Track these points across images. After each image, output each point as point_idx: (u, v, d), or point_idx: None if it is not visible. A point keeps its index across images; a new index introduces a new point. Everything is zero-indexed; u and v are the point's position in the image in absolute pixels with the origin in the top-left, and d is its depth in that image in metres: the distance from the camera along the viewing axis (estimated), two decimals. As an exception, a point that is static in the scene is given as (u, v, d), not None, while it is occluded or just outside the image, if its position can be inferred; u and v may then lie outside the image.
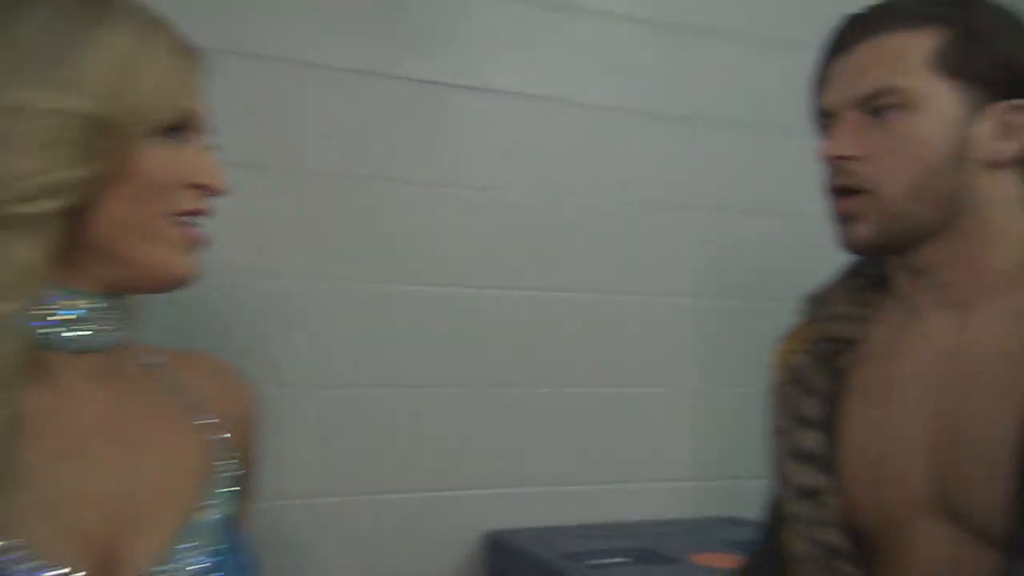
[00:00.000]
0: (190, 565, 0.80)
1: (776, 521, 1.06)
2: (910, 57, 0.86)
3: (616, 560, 1.62)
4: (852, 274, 1.00)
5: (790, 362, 0.99)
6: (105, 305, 0.80)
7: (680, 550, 1.65)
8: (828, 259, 1.04)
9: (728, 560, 1.60)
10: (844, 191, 0.88)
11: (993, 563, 0.82)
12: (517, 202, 1.86)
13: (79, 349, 0.79)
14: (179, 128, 0.80)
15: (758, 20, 2.07)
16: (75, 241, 0.76)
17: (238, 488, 0.91)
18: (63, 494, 0.77)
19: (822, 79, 0.93)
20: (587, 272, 1.92)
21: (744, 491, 2.02)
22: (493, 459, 1.84)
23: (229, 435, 0.91)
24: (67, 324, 0.78)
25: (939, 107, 0.86)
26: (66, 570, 0.73)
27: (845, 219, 0.89)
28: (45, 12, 0.75)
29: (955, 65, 0.85)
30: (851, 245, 0.90)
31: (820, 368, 0.95)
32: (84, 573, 0.74)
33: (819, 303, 1.01)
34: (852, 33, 0.90)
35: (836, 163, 0.88)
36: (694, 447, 2.02)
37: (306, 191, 1.70)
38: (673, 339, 2.01)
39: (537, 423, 1.87)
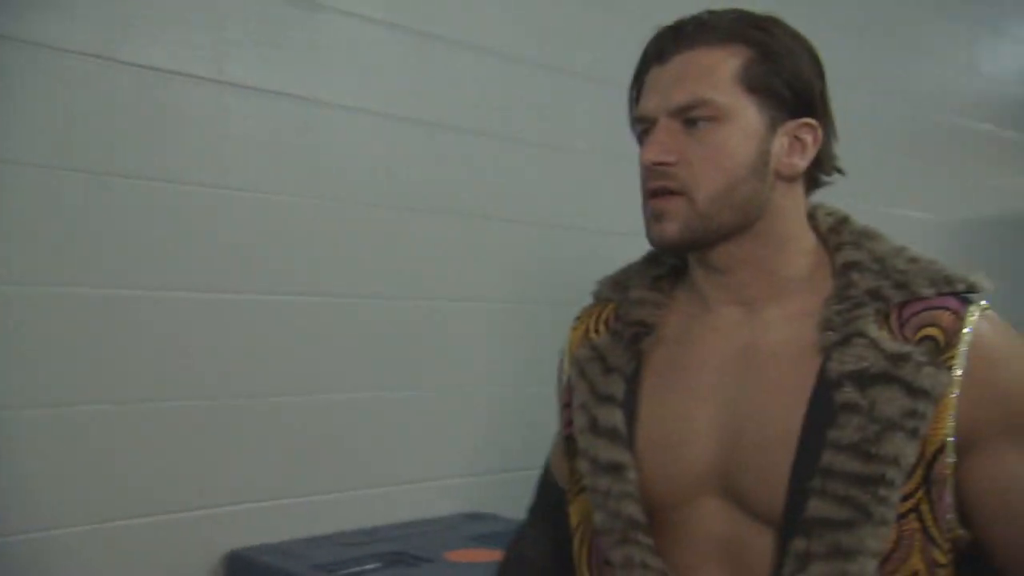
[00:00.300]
0: None
1: (550, 499, 1.08)
2: (720, 72, 0.91)
3: (369, 567, 1.60)
4: (650, 262, 1.05)
5: (593, 341, 1.02)
6: None
7: (433, 550, 1.66)
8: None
9: (483, 554, 1.63)
10: (660, 192, 0.92)
11: (768, 541, 0.89)
12: (253, 202, 1.77)
13: None
14: None
15: (510, 38, 2.13)
16: None
17: None
18: None
19: (640, 87, 0.97)
20: (317, 274, 1.87)
21: (490, 486, 2.08)
22: (231, 474, 1.73)
23: None
24: None
25: (744, 121, 0.91)
26: None
27: (657, 216, 0.93)
28: None
29: (756, 82, 0.91)
30: (660, 241, 0.94)
31: (622, 349, 0.99)
32: None
33: (618, 287, 1.05)
34: (668, 45, 0.94)
35: (654, 168, 0.92)
36: (442, 447, 2.03)
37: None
38: (434, 342, 2.01)
39: (280, 433, 1.79)
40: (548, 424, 2.14)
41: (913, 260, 0.93)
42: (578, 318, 1.09)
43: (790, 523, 0.86)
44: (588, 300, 1.08)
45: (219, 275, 1.72)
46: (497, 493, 2.08)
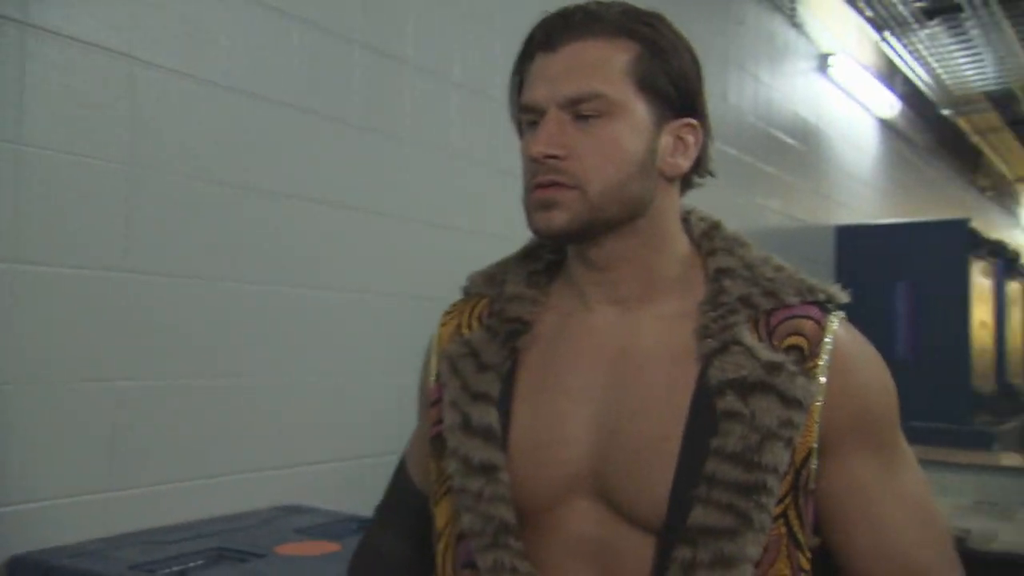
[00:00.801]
0: None
1: (406, 501, 1.04)
2: (612, 66, 0.88)
3: (192, 564, 1.49)
4: (527, 257, 1.01)
5: (466, 336, 0.98)
6: None
7: (260, 544, 1.57)
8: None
9: (315, 547, 1.58)
10: (549, 185, 0.88)
11: (643, 546, 0.87)
12: (58, 162, 1.57)
13: None
14: None
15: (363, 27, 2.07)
16: None
17: None
18: None
19: (525, 74, 0.92)
20: (128, 248, 1.70)
21: (303, 478, 2.01)
22: (16, 468, 1.53)
23: None
24: None
25: (635, 117, 0.89)
26: None
27: (545, 205, 0.89)
28: None
29: (644, 79, 0.89)
30: (547, 229, 0.90)
31: (497, 346, 0.95)
32: None
33: (492, 281, 1.01)
34: (557, 33, 0.90)
35: (543, 161, 0.88)
36: (256, 438, 1.93)
37: None
38: (261, 330, 1.90)
39: (74, 422, 1.61)
40: (360, 422, 2.12)
41: (779, 268, 0.94)
42: (448, 313, 1.03)
43: (671, 530, 0.85)
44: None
45: (10, 243, 1.51)
46: (311, 485, 2.01)
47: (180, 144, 1.76)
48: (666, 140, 0.91)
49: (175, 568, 1.45)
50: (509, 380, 0.93)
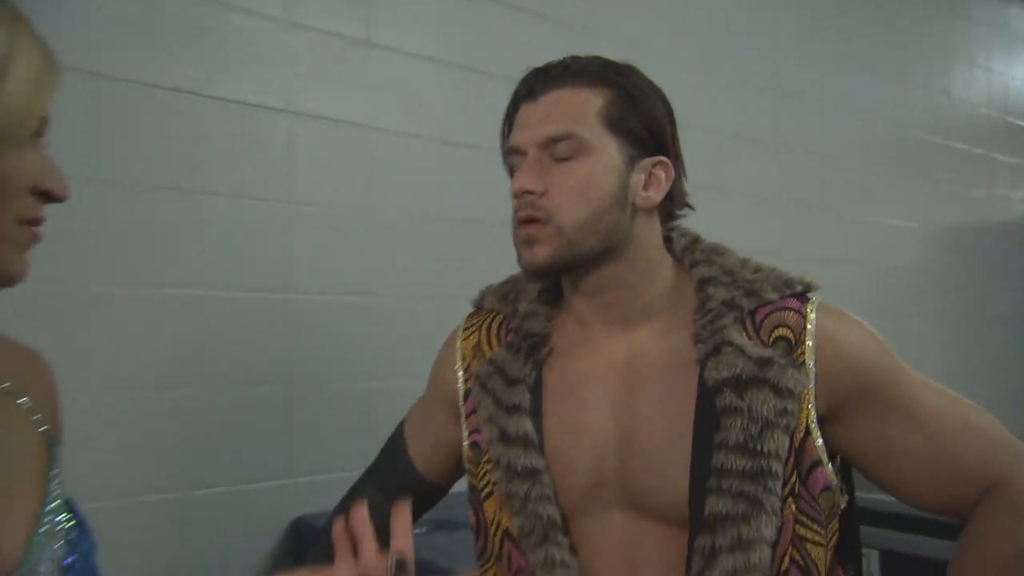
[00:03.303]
0: (49, 552, 0.76)
1: (401, 472, 1.12)
2: (586, 111, 0.97)
3: (417, 531, 1.81)
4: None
5: (491, 356, 1.06)
6: None
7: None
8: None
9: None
10: (529, 220, 0.97)
11: (676, 541, 0.94)
12: (318, 215, 1.99)
13: None
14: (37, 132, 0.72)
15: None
16: None
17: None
18: None
19: (512, 122, 1.02)
20: (363, 275, 2.08)
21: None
22: (300, 451, 1.95)
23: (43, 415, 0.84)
24: None
25: (607, 156, 0.97)
26: None
27: (528, 242, 0.97)
28: None
29: (616, 122, 0.97)
30: (531, 265, 0.98)
31: (521, 361, 1.03)
32: None
33: (505, 300, 1.10)
34: (538, 84, 1.00)
35: (523, 197, 0.97)
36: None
37: None
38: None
39: (337, 414, 2.02)
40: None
41: (757, 269, 1.01)
42: (467, 328, 1.12)
43: (694, 522, 0.92)
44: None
45: (288, 276, 1.97)
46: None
47: (411, 191, 2.13)
48: (637, 177, 0.99)
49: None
50: (536, 391, 1.02)
